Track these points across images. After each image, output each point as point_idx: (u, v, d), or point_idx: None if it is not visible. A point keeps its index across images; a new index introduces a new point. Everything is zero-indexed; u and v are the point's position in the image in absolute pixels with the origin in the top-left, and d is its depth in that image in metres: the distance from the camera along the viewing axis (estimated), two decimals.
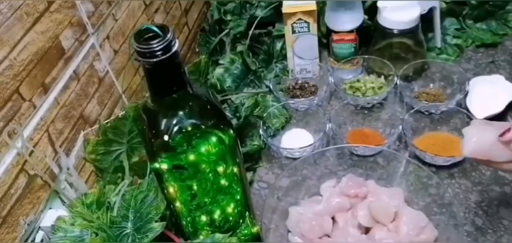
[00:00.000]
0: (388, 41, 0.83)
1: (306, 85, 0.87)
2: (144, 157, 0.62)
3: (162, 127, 0.46)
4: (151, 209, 0.52)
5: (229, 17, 0.96)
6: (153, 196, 0.53)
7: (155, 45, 0.41)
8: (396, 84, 0.79)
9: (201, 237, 0.55)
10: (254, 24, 0.91)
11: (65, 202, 0.58)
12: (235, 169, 0.52)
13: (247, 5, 0.97)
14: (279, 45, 0.91)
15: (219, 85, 0.84)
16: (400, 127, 0.71)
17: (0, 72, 0.50)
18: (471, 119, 0.69)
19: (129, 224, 0.52)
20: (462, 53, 0.88)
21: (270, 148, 0.77)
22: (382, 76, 0.83)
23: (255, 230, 0.60)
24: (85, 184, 0.63)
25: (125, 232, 0.52)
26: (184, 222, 0.55)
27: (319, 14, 0.86)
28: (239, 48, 0.90)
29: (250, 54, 0.88)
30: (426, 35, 0.86)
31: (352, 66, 0.86)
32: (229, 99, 0.82)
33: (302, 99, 0.83)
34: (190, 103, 0.47)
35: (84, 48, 0.64)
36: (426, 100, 0.77)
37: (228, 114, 0.78)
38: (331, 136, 0.75)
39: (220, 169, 0.51)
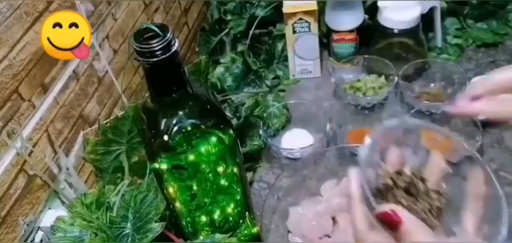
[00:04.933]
0: (389, 41, 0.83)
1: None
2: (143, 157, 0.62)
3: (162, 127, 0.46)
4: (151, 209, 0.52)
5: (229, 17, 0.96)
6: (153, 196, 0.53)
7: (155, 45, 0.41)
8: (397, 83, 0.79)
9: (201, 237, 0.55)
10: (254, 24, 0.91)
11: (64, 202, 0.58)
12: (235, 169, 0.52)
13: (247, 4, 0.96)
14: (280, 45, 0.91)
15: (219, 85, 0.84)
16: None
17: None
18: (472, 119, 0.69)
19: (129, 225, 0.52)
20: (463, 53, 0.88)
21: (270, 148, 0.77)
22: (383, 76, 0.83)
23: (255, 230, 0.60)
24: (84, 184, 0.63)
25: (124, 232, 0.51)
26: (184, 223, 0.55)
27: (320, 13, 0.86)
28: (240, 47, 0.90)
29: (251, 54, 0.88)
30: (427, 35, 0.86)
31: (353, 65, 0.86)
32: (230, 98, 0.82)
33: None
34: (190, 103, 0.47)
35: None
36: (427, 100, 0.77)
37: (228, 113, 0.78)
38: (332, 136, 0.74)
39: (220, 169, 0.51)
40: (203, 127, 0.47)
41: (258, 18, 0.91)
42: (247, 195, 0.57)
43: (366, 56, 0.86)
